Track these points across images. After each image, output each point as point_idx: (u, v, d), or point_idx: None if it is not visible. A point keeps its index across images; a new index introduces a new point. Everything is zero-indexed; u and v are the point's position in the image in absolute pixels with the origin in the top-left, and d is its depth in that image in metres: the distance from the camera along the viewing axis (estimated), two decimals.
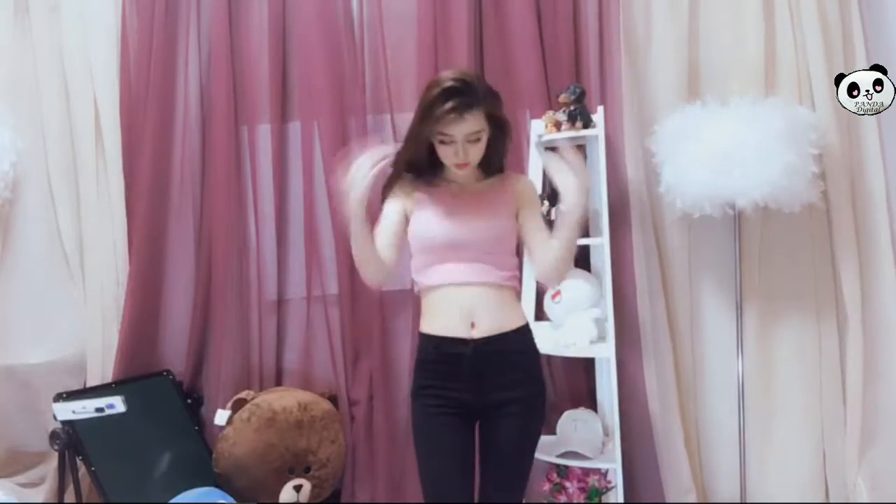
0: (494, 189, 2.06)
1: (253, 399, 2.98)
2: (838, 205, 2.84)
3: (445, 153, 1.96)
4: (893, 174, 2.86)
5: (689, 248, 2.99)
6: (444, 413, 1.97)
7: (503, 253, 2.01)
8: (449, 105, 1.88)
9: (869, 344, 2.85)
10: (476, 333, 1.95)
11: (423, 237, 2.01)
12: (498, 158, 2.07)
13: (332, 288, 3.21)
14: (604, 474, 2.76)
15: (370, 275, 1.97)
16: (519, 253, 2.09)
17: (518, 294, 2.10)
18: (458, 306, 1.96)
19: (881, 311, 2.85)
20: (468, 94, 1.89)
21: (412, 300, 3.12)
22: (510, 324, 2.00)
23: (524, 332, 2.04)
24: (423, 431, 2.00)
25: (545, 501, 2.77)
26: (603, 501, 2.76)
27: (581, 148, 2.97)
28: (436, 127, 1.92)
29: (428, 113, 1.92)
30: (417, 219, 2.03)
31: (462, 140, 1.92)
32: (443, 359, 1.97)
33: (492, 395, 1.96)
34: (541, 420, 2.06)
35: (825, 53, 2.83)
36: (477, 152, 1.97)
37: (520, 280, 2.09)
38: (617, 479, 2.71)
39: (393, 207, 2.04)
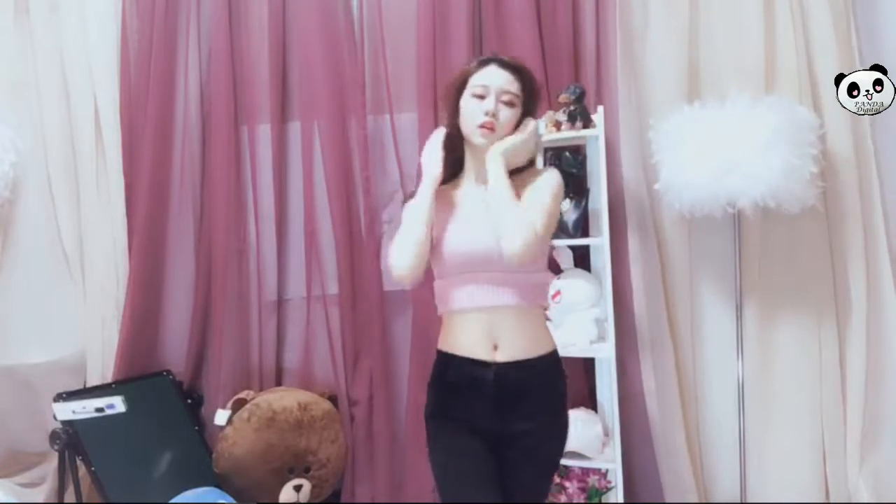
0: (515, 189, 1.83)
1: (253, 399, 2.98)
2: (839, 205, 2.84)
3: (473, 111, 1.83)
4: (887, 174, 2.86)
5: (689, 248, 2.99)
6: (463, 429, 1.82)
7: (528, 268, 1.80)
8: (489, 57, 1.87)
9: (870, 343, 2.84)
10: (499, 357, 1.80)
11: (438, 248, 1.83)
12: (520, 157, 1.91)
13: (332, 288, 3.21)
14: (604, 474, 2.76)
15: (414, 264, 1.78)
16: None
17: (545, 306, 1.93)
18: (481, 327, 1.81)
19: (880, 312, 2.85)
20: (511, 60, 1.88)
21: (412, 300, 3.13)
22: (536, 349, 1.84)
23: (551, 360, 1.87)
24: (441, 446, 1.83)
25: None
26: (603, 501, 2.76)
27: (581, 148, 2.97)
28: (472, 78, 1.85)
29: (464, 72, 1.88)
30: (436, 224, 1.86)
31: (497, 93, 1.83)
32: (462, 381, 1.82)
33: (513, 425, 1.81)
34: (558, 455, 1.89)
35: (832, 53, 2.82)
36: (507, 119, 1.83)
37: (548, 291, 1.95)
38: (617, 479, 2.71)
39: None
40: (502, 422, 1.81)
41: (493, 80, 1.84)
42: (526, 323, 1.83)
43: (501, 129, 1.83)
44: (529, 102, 1.89)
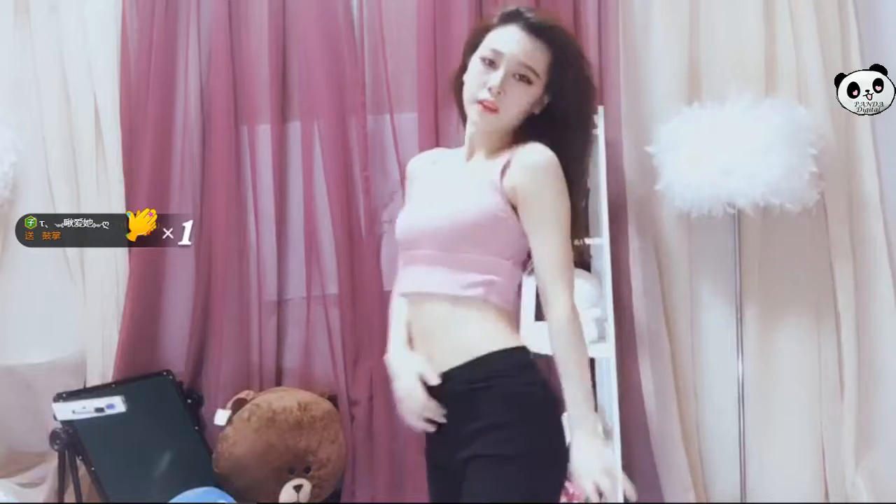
0: (492, 161, 1.51)
1: (253, 399, 2.98)
2: (833, 205, 2.84)
3: (476, 80, 1.46)
4: (886, 173, 2.87)
5: (688, 249, 2.99)
6: (432, 475, 1.58)
7: (469, 250, 1.44)
8: (516, 10, 1.48)
9: (866, 344, 2.85)
10: (425, 374, 1.46)
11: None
12: (555, 140, 1.47)
13: (332, 288, 3.20)
14: None
15: None
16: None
17: (501, 306, 1.47)
18: (417, 329, 1.52)
19: (877, 310, 2.84)
20: (542, 22, 1.47)
21: None
22: (468, 352, 1.43)
23: (494, 358, 1.43)
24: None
25: None
26: (603, 501, 2.76)
27: None
28: (488, 36, 1.47)
29: (482, 26, 1.52)
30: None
31: (510, 63, 1.44)
32: None
33: (457, 451, 1.43)
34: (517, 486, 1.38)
35: (821, 53, 2.83)
36: (516, 100, 1.46)
37: (507, 288, 1.49)
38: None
39: None
40: (448, 450, 1.46)
41: (510, 46, 1.44)
42: (458, 320, 1.45)
43: (507, 109, 1.46)
44: (557, 75, 1.47)
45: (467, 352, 1.44)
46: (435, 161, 1.67)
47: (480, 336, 1.45)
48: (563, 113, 1.50)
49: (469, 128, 1.57)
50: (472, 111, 1.49)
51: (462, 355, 1.44)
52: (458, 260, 1.45)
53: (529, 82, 1.46)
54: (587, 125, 1.53)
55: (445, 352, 1.46)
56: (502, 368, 1.44)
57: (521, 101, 1.47)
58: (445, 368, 1.45)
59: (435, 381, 1.44)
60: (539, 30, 1.46)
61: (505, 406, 1.41)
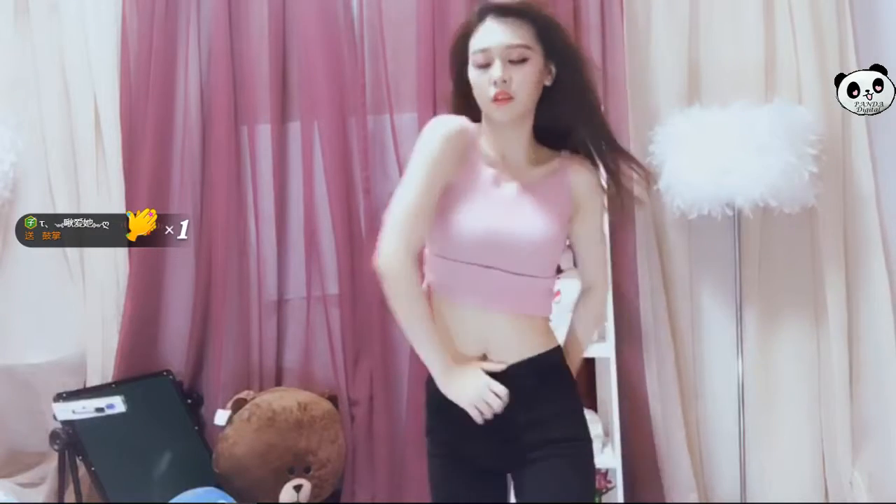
0: (550, 180, 1.59)
1: (253, 399, 2.98)
2: (829, 205, 2.84)
3: (482, 84, 1.51)
4: (882, 174, 2.87)
5: (689, 249, 2.99)
6: (457, 470, 1.63)
7: (539, 273, 1.56)
8: (486, 5, 1.54)
9: (861, 343, 2.85)
10: (487, 365, 1.54)
11: (449, 231, 1.54)
12: (568, 118, 1.57)
13: (332, 288, 3.20)
14: (604, 474, 2.76)
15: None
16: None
17: (547, 315, 1.65)
18: (469, 332, 1.57)
19: (873, 308, 2.84)
20: (511, 4, 1.53)
21: None
22: (532, 349, 1.57)
23: (554, 354, 1.61)
24: (430, 481, 1.69)
25: None
26: (603, 501, 2.76)
27: None
28: (471, 42, 1.53)
29: (463, 34, 1.56)
30: (448, 201, 1.55)
31: (501, 53, 1.49)
32: (448, 402, 1.54)
33: (523, 437, 1.55)
34: (582, 453, 1.58)
35: (815, 53, 2.83)
36: (523, 79, 1.50)
37: (551, 301, 1.66)
38: (617, 479, 2.71)
39: (437, 180, 1.54)
40: (507, 442, 1.54)
41: (493, 39, 1.50)
42: (521, 329, 1.57)
43: (520, 93, 1.51)
44: (550, 42, 1.54)
45: (528, 350, 1.57)
46: (476, 151, 1.60)
47: (539, 340, 1.60)
48: (572, 75, 1.57)
49: (491, 134, 1.59)
50: (493, 112, 1.53)
51: (523, 354, 1.57)
52: (527, 284, 1.56)
53: (526, 60, 1.51)
54: (592, 85, 1.60)
55: (504, 351, 1.56)
56: (559, 363, 1.62)
57: (528, 78, 1.52)
58: (506, 365, 1.55)
59: (499, 367, 1.55)
60: (512, 12, 1.52)
61: (570, 395, 1.62)
